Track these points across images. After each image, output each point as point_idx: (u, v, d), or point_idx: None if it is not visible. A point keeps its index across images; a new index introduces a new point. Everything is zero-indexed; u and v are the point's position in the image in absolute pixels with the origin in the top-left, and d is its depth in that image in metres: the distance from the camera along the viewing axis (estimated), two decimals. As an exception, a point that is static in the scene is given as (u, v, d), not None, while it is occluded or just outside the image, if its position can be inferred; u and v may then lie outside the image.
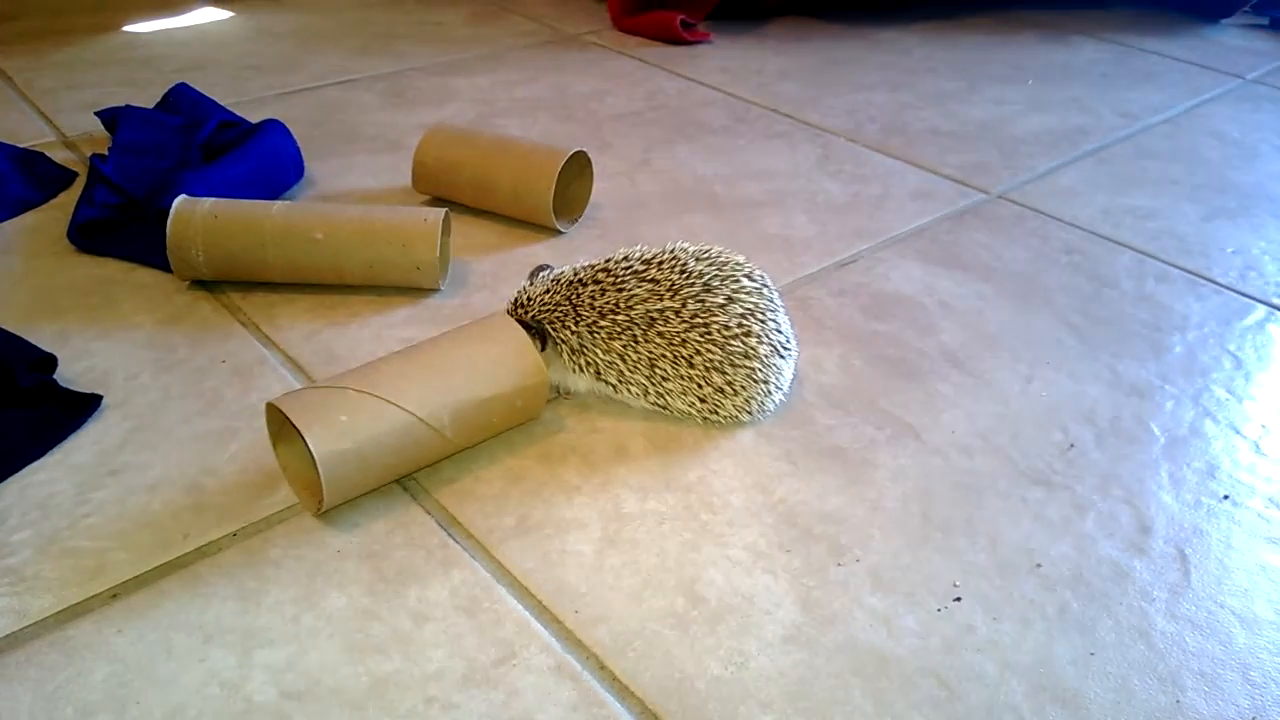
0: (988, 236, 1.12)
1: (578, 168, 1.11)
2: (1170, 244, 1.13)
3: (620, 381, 0.78)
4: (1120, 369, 0.90)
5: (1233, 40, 1.83)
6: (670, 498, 0.73)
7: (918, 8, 1.89)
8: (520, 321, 0.79)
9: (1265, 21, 1.91)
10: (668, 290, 0.77)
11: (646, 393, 0.78)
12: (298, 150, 1.17)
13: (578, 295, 0.78)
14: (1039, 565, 0.69)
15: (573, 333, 0.78)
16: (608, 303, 0.77)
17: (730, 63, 1.64)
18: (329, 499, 0.68)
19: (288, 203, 0.97)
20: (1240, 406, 0.86)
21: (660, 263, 0.79)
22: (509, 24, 1.81)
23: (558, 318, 0.78)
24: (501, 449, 0.77)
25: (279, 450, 0.73)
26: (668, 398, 0.78)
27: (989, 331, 0.95)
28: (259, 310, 0.94)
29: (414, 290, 0.97)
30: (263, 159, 1.12)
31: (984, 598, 0.66)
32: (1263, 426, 0.84)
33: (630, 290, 0.77)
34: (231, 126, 1.19)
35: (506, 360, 0.75)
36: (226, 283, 0.97)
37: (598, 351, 0.78)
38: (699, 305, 0.76)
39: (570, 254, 1.05)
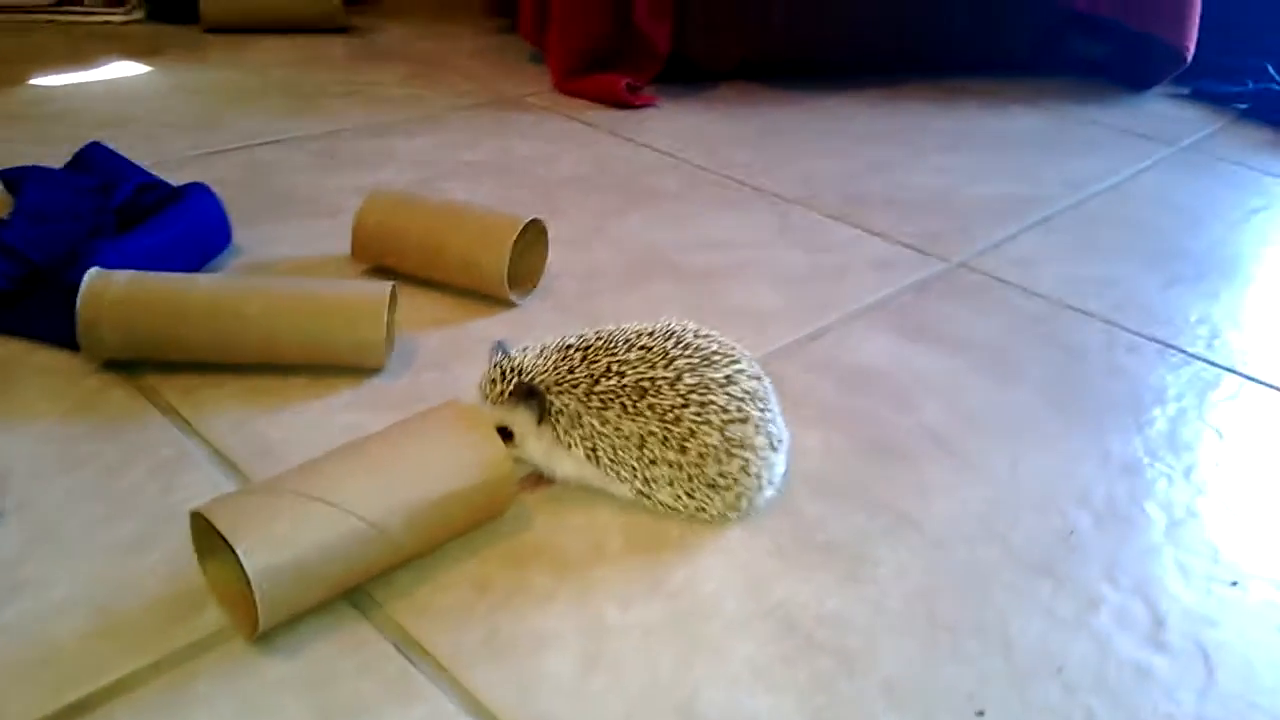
0: (954, 307, 1.09)
1: (532, 236, 1.04)
2: (1135, 313, 1.10)
3: (612, 461, 0.71)
4: (1107, 445, 0.86)
5: (1163, 109, 1.87)
6: (656, 605, 0.66)
7: (860, 75, 1.89)
8: (514, 392, 0.72)
9: (1187, 91, 1.96)
10: (661, 358, 0.71)
11: (635, 475, 0.71)
12: (224, 216, 1.08)
13: (570, 360, 0.72)
14: (1060, 669, 0.63)
15: (570, 398, 0.71)
16: (599, 368, 0.71)
17: (677, 128, 1.61)
18: (265, 619, 0.59)
19: (215, 275, 0.88)
20: (1231, 482, 0.83)
21: (653, 333, 0.73)
22: (446, 85, 1.76)
23: (554, 383, 0.71)
24: (463, 553, 0.69)
25: (206, 563, 0.64)
26: (653, 486, 0.71)
27: (969, 407, 0.90)
28: (181, 395, 0.85)
29: (356, 371, 0.89)
30: (187, 226, 1.03)
31: (1007, 709, 0.60)
32: (1258, 503, 0.80)
33: (621, 355, 0.71)
34: (151, 189, 1.10)
35: (466, 452, 0.68)
36: (144, 363, 0.87)
37: (594, 423, 0.71)
38: (696, 380, 0.70)
39: (525, 327, 0.98)
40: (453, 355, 0.93)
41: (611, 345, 0.72)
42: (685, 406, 0.70)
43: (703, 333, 0.74)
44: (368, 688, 0.58)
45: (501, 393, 0.73)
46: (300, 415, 0.83)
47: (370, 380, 0.88)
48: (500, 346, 0.76)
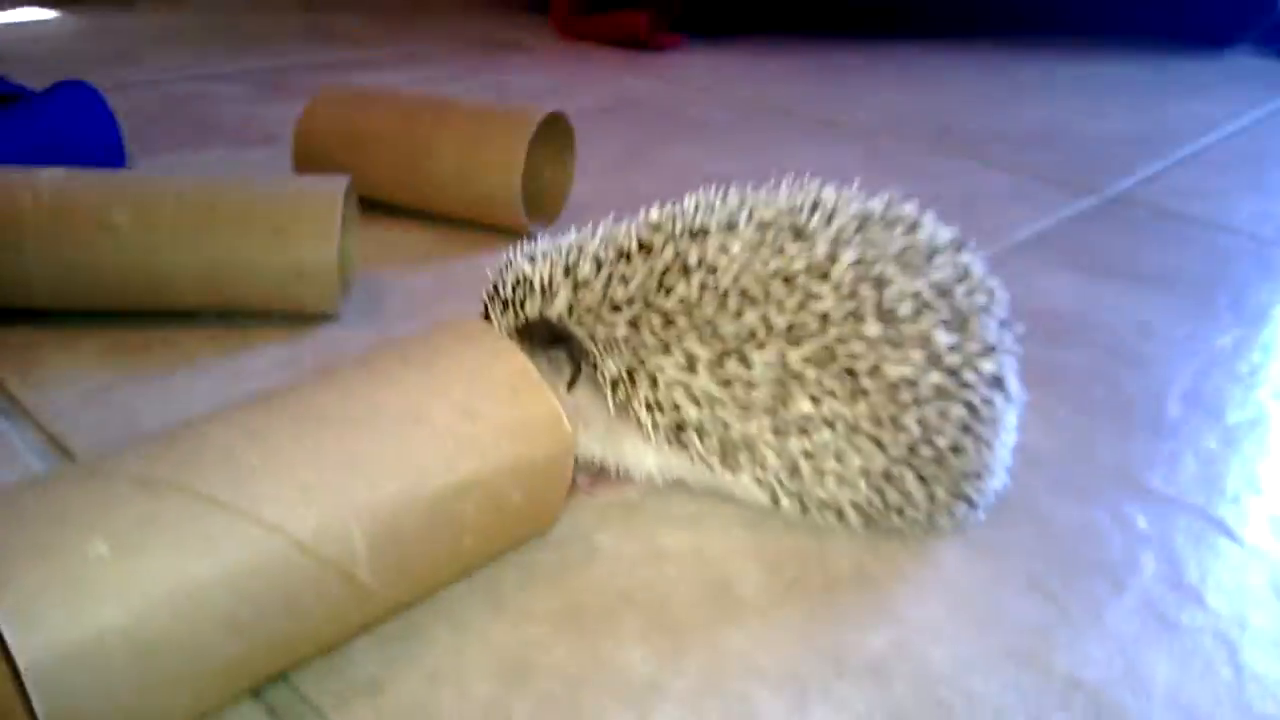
0: (1133, 241, 0.78)
1: (551, 146, 0.73)
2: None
3: (725, 439, 0.40)
4: None
5: (1255, 63, 1.59)
6: (847, 691, 0.34)
7: (911, 29, 1.60)
8: (528, 333, 0.41)
9: (1273, 53, 1.70)
10: (795, 238, 0.40)
11: (769, 459, 0.40)
12: (114, 127, 0.76)
13: (626, 266, 0.40)
14: None
15: (632, 334, 0.39)
16: (678, 272, 0.39)
17: (711, 65, 1.31)
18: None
19: (69, 170, 0.56)
20: None
21: (766, 203, 0.42)
22: (422, 29, 1.45)
23: (600, 308, 0.40)
24: (481, 603, 0.37)
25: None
26: (803, 474, 0.40)
27: (1216, 354, 0.60)
28: (9, 357, 0.53)
29: (291, 319, 0.57)
30: (53, 129, 0.71)
31: None
32: None
33: (721, 241, 0.40)
34: (11, 99, 0.78)
35: (490, 404, 0.36)
36: (-44, 310, 0.56)
37: (684, 375, 0.39)
38: (870, 265, 0.39)
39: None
40: (437, 301, 0.62)
41: (698, 228, 0.41)
42: (857, 316, 0.38)
43: (851, 194, 0.43)
44: None
45: (507, 334, 0.42)
46: (196, 384, 0.51)
47: (313, 331, 0.57)
48: (513, 258, 0.44)
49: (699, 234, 0.40)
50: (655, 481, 0.44)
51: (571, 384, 0.41)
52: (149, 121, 0.93)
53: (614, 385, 0.40)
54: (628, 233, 0.42)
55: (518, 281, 0.41)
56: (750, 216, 0.41)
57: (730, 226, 0.40)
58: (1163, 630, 0.39)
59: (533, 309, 0.41)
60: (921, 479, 0.39)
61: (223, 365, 0.53)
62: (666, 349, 0.39)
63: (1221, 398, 0.55)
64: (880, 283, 0.38)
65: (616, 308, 0.40)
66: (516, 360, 0.37)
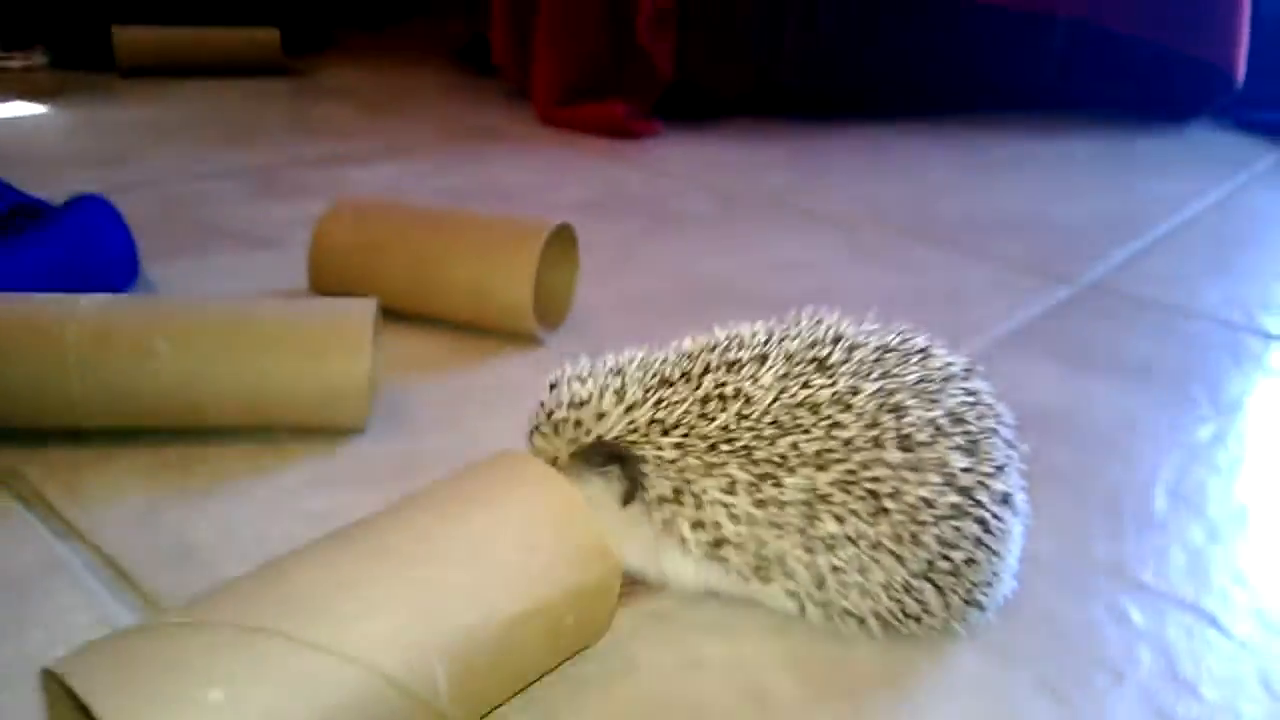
0: (1113, 331, 0.83)
1: (556, 250, 0.77)
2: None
3: (760, 554, 0.43)
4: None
5: (1213, 136, 1.68)
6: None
7: (881, 109, 1.67)
8: (586, 455, 0.44)
9: (1231, 125, 1.79)
10: (818, 372, 0.44)
11: (799, 571, 0.43)
12: (128, 237, 0.79)
13: (671, 390, 0.44)
14: None
15: (680, 457, 0.43)
16: (719, 400, 0.43)
17: (691, 154, 1.36)
18: None
19: (107, 296, 0.59)
20: None
21: (794, 335, 0.46)
22: (409, 118, 1.49)
23: (649, 431, 0.43)
24: (534, 718, 0.40)
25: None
26: (828, 586, 0.43)
27: (1195, 450, 0.64)
28: (54, 477, 0.54)
29: (317, 434, 0.60)
30: (72, 245, 0.74)
31: None
32: None
33: (752, 373, 0.44)
34: (30, 215, 0.80)
35: (549, 536, 0.39)
36: (-4, 433, 0.57)
37: (724, 496, 0.42)
38: (890, 394, 0.43)
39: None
40: (460, 411, 0.64)
41: (732, 360, 0.45)
42: (878, 442, 0.42)
43: (868, 328, 0.48)
44: None
45: (561, 456, 0.45)
46: (238, 502, 0.53)
47: (340, 447, 0.59)
48: (563, 377, 0.47)
49: (734, 365, 0.44)
50: (689, 591, 0.47)
51: (627, 501, 0.44)
52: (151, 225, 0.95)
53: (661, 502, 0.43)
54: (668, 361, 0.45)
55: (571, 403, 0.44)
56: (779, 349, 0.44)
57: (762, 359, 0.44)
58: (1164, 725, 0.42)
59: (590, 430, 0.44)
60: (938, 589, 0.43)
61: (262, 484, 0.55)
62: (709, 472, 0.42)
63: (1204, 492, 0.59)
64: (899, 411, 0.42)
65: (665, 432, 0.43)
66: (566, 491, 0.40)
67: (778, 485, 0.42)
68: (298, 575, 0.35)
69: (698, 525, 0.43)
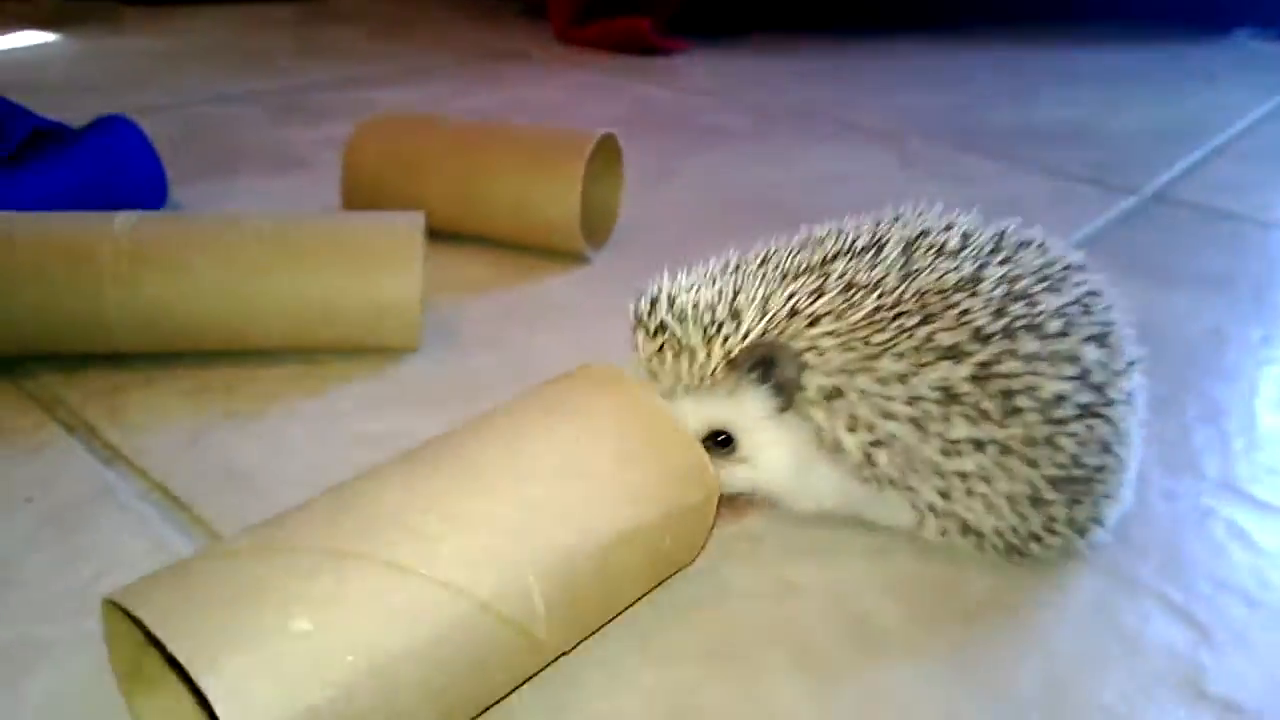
0: (1184, 242, 0.79)
1: (600, 164, 0.73)
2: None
3: (907, 467, 0.39)
4: None
5: (1264, 48, 1.61)
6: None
7: (911, 23, 1.60)
8: (736, 360, 0.39)
9: (1274, 35, 1.72)
10: (969, 273, 0.40)
11: (930, 476, 0.39)
12: (156, 159, 0.75)
13: (822, 294, 0.39)
14: None
15: (839, 354, 0.38)
16: (879, 305, 0.39)
17: (720, 70, 1.31)
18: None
19: (142, 214, 0.55)
20: None
21: (926, 230, 0.42)
22: (423, 40, 1.44)
23: (808, 333, 0.39)
24: (628, 646, 0.37)
25: (138, 702, 0.32)
26: (962, 501, 0.40)
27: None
28: (96, 401, 0.52)
29: (367, 354, 0.57)
30: (99, 167, 0.70)
31: None
32: None
33: (892, 269, 0.40)
34: (53, 138, 0.76)
35: (644, 453, 0.36)
36: (36, 357, 0.54)
37: (895, 402, 0.38)
38: (1051, 311, 0.39)
39: (604, 292, 0.66)
40: (510, 330, 0.61)
41: (848, 249, 0.41)
42: (1009, 332, 0.38)
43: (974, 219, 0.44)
44: None
45: (706, 368, 0.39)
46: (288, 425, 0.50)
47: (391, 367, 0.56)
48: (662, 291, 0.41)
49: (853, 254, 0.40)
50: (811, 510, 0.43)
51: (787, 405, 0.39)
52: (174, 148, 0.91)
53: (817, 402, 0.39)
54: (778, 255, 0.41)
55: (692, 311, 0.39)
56: (893, 236, 0.41)
57: (879, 246, 0.40)
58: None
59: (726, 335, 0.39)
60: (1066, 501, 0.40)
61: (312, 405, 0.52)
62: (865, 364, 0.38)
63: (1306, 397, 0.56)
64: (1027, 298, 0.39)
65: (812, 323, 0.38)
66: (658, 407, 0.37)
67: (921, 379, 0.38)
68: (377, 496, 0.32)
69: (853, 427, 0.39)
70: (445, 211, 0.70)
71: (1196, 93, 1.28)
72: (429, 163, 0.70)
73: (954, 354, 0.38)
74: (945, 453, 0.38)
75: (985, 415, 0.38)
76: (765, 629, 0.39)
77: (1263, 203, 0.88)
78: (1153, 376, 0.57)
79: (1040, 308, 0.39)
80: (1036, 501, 0.39)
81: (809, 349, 0.38)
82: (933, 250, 0.41)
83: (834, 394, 0.38)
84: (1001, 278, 0.39)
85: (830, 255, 0.41)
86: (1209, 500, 0.48)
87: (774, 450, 0.40)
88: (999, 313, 0.38)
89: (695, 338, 0.39)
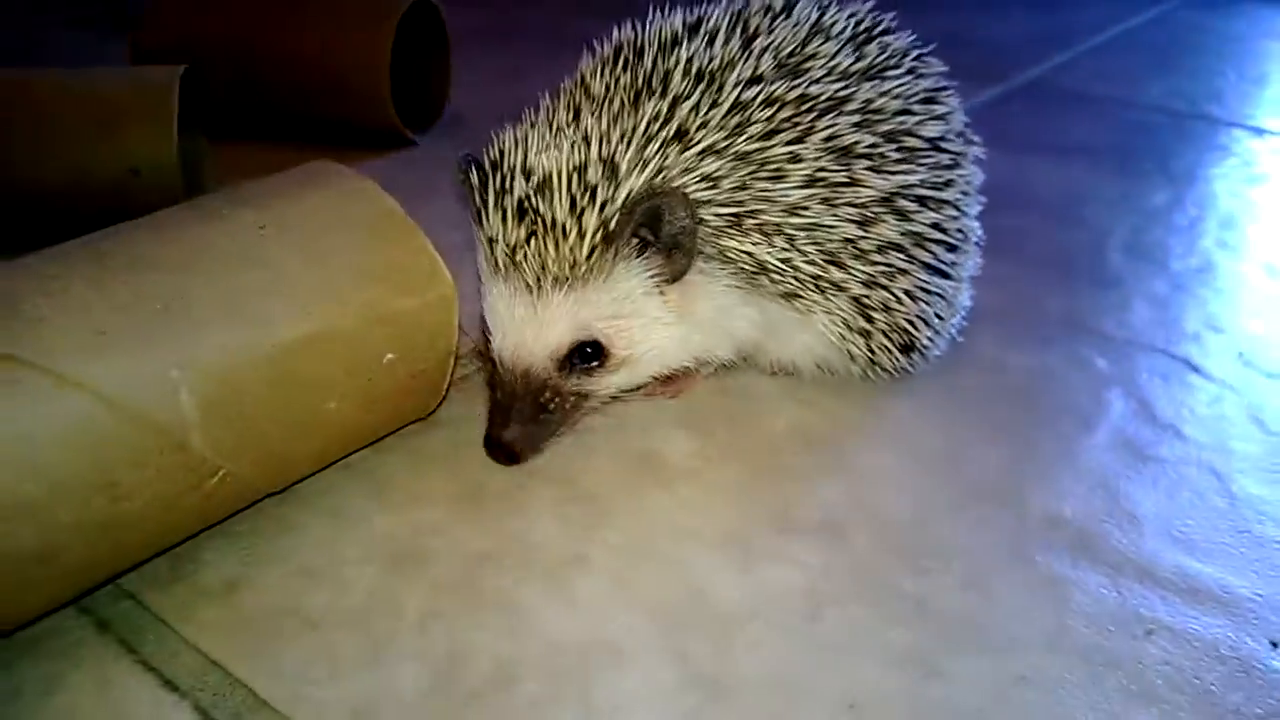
0: (1050, 120, 0.76)
1: (424, 46, 0.66)
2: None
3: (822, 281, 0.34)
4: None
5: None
6: (798, 547, 0.30)
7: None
8: (620, 220, 0.31)
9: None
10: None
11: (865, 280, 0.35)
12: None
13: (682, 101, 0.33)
14: None
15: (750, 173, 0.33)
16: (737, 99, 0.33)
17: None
18: None
19: None
20: None
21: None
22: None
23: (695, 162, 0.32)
24: (362, 490, 0.31)
25: None
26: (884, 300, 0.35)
27: (1150, 213, 0.57)
28: None
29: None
30: None
31: None
32: None
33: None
34: None
35: (352, 252, 0.30)
36: None
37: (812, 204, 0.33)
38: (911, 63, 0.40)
39: (429, 172, 0.59)
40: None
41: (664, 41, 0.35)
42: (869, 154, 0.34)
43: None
44: None
45: (579, 250, 0.30)
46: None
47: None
48: (505, 148, 0.34)
49: (696, 45, 0.35)
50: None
51: (687, 262, 0.32)
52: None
53: (725, 230, 0.32)
54: (622, 69, 0.35)
55: (560, 172, 0.31)
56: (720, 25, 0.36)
57: (711, 37, 0.35)
58: (1142, 464, 0.35)
59: (610, 199, 0.30)
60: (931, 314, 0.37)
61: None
62: (758, 165, 0.33)
63: (1164, 248, 0.52)
64: (878, 40, 0.39)
65: (685, 147, 0.32)
66: (379, 200, 0.31)
67: (810, 145, 0.33)
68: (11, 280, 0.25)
69: (767, 233, 0.32)
70: (244, 94, 0.63)
71: (1075, 9, 1.25)
72: (215, 24, 0.62)
73: (832, 103, 0.34)
74: (860, 222, 0.34)
75: (885, 159, 0.34)
76: (532, 469, 0.33)
77: (1131, 89, 0.85)
78: (1003, 227, 0.53)
79: (892, 45, 0.38)
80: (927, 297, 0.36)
81: (700, 183, 0.32)
82: (767, 17, 0.36)
83: (740, 214, 0.32)
84: (845, 29, 0.37)
85: (669, 57, 0.34)
86: (1049, 333, 0.44)
87: (666, 331, 0.33)
88: (858, 56, 0.36)
89: (562, 212, 0.31)
